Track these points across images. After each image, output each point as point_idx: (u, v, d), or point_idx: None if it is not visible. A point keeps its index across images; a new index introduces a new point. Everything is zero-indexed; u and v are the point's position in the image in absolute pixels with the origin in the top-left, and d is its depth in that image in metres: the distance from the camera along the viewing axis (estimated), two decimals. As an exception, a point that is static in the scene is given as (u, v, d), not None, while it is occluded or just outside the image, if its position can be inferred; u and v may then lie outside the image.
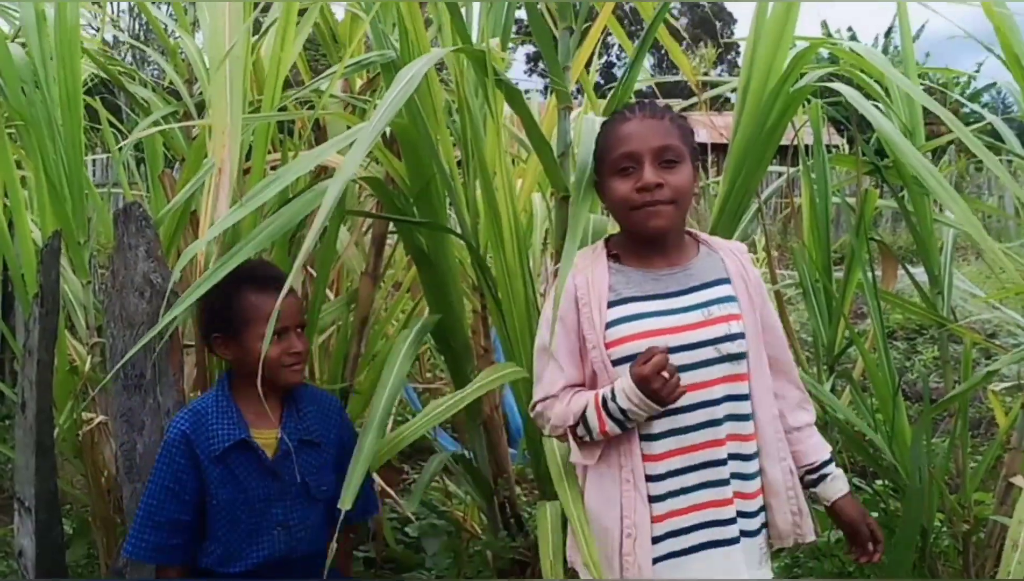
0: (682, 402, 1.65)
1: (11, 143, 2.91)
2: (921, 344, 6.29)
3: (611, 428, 1.67)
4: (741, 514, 1.74)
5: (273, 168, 2.70)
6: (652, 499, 1.70)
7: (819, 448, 1.86)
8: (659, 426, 1.70)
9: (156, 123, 3.01)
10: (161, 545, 1.93)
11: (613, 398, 1.66)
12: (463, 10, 2.39)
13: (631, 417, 1.66)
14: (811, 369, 3.10)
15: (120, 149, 3.37)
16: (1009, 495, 2.62)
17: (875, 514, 2.85)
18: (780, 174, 3.35)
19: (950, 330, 2.75)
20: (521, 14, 2.62)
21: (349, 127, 2.54)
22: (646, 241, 1.77)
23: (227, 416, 1.94)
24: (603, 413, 1.67)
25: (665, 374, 1.60)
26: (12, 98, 2.50)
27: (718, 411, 1.71)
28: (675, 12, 2.53)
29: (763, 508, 1.78)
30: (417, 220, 2.41)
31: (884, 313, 3.03)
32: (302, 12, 2.76)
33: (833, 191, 3.08)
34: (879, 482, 2.99)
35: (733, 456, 1.73)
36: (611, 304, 1.73)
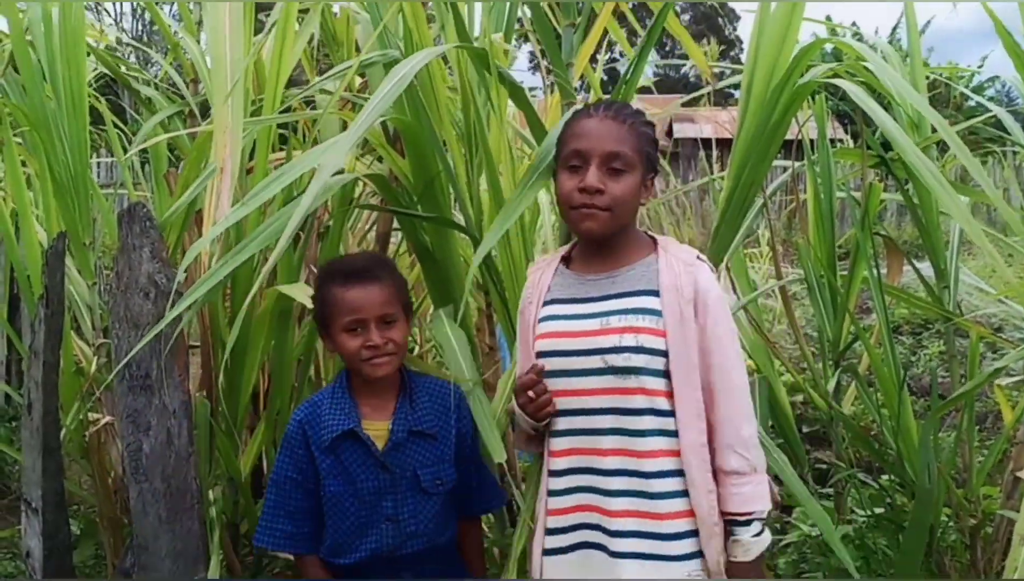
0: (570, 406, 1.73)
1: (16, 145, 2.92)
2: (927, 338, 6.27)
3: (524, 425, 1.81)
4: (642, 535, 1.69)
5: (277, 167, 2.71)
6: (551, 492, 1.78)
7: (738, 503, 1.69)
8: (558, 424, 1.76)
9: (161, 123, 3.02)
10: (295, 533, 1.97)
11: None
12: (465, 8, 2.39)
13: (526, 421, 1.78)
14: (817, 364, 3.09)
15: (126, 152, 3.38)
16: (1016, 489, 2.62)
17: (881, 509, 2.85)
18: (785, 169, 3.34)
19: (956, 324, 2.74)
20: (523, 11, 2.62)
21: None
22: (587, 242, 1.81)
23: (339, 407, 1.94)
24: (515, 411, 1.81)
25: (531, 394, 1.71)
26: (28, 97, 2.52)
27: (600, 421, 1.71)
28: (677, 8, 2.52)
29: (692, 533, 1.69)
30: (422, 214, 2.41)
31: (889, 308, 3.02)
32: (303, 11, 2.77)
33: (838, 185, 3.07)
34: (885, 477, 2.99)
35: (624, 472, 1.70)
36: (545, 303, 1.81)
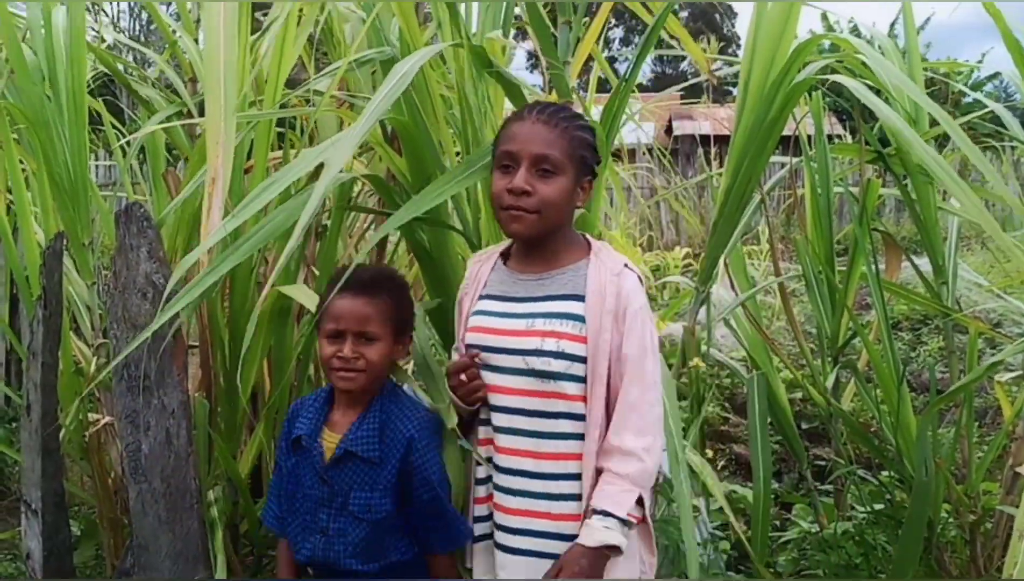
0: (490, 401, 1.78)
1: (15, 144, 2.92)
2: (926, 334, 6.28)
3: (460, 409, 1.83)
4: (539, 534, 1.73)
5: (276, 166, 2.71)
6: (476, 481, 1.84)
7: (600, 498, 1.69)
8: (481, 413, 1.82)
9: (162, 122, 3.02)
10: (278, 516, 1.99)
11: None
12: (462, 7, 2.39)
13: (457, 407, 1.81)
14: (816, 361, 3.09)
15: (126, 147, 3.37)
16: (1016, 485, 2.62)
17: (880, 505, 2.85)
18: (783, 165, 3.34)
19: (955, 320, 2.74)
20: (518, 10, 2.61)
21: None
22: (519, 242, 1.83)
23: (312, 409, 1.95)
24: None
25: (464, 376, 1.76)
26: (24, 98, 2.52)
27: (516, 421, 1.75)
28: (675, 7, 2.51)
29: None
30: (417, 215, 2.40)
31: (888, 304, 3.02)
32: (301, 10, 2.76)
33: (836, 180, 3.07)
34: (884, 473, 2.99)
35: (530, 474, 1.73)
36: (481, 297, 1.85)
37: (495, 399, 1.78)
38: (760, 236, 8.51)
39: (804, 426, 4.11)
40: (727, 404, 4.89)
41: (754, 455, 2.67)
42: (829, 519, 2.95)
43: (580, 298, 1.74)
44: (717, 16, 34.44)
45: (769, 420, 2.84)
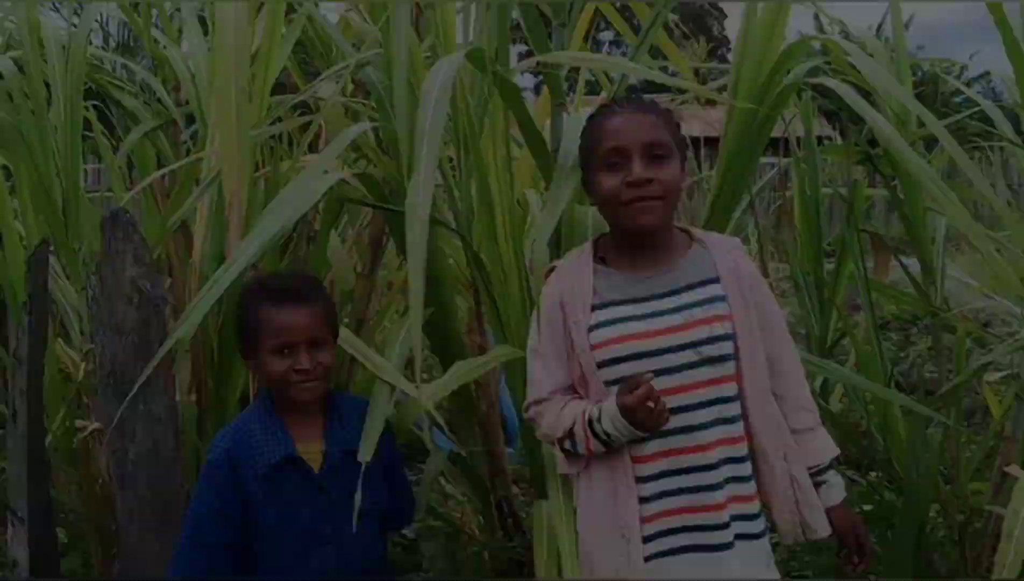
0: (668, 405, 1.66)
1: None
2: (915, 334, 6.29)
3: (595, 447, 1.69)
4: (739, 517, 1.71)
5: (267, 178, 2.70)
6: (641, 500, 1.70)
7: (819, 452, 1.80)
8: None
9: (147, 135, 3.00)
10: (210, 568, 1.88)
11: (599, 419, 1.66)
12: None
13: (615, 440, 1.67)
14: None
15: (115, 153, 3.36)
16: (1004, 485, 2.62)
17: (869, 506, 2.85)
18: (773, 166, 3.35)
19: (944, 320, 2.74)
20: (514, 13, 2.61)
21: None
22: (633, 239, 1.75)
23: (272, 432, 1.88)
24: (589, 432, 1.68)
25: (650, 404, 1.61)
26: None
27: (702, 415, 1.69)
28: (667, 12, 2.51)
29: (764, 509, 1.76)
30: (400, 209, 2.39)
31: (877, 304, 3.02)
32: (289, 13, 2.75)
33: (825, 181, 3.08)
34: (873, 474, 2.99)
35: (725, 460, 1.71)
36: (594, 307, 1.73)
37: (675, 401, 1.67)
38: (749, 237, 8.52)
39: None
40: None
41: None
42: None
43: (716, 280, 1.74)
44: (709, 19, 34.52)
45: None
